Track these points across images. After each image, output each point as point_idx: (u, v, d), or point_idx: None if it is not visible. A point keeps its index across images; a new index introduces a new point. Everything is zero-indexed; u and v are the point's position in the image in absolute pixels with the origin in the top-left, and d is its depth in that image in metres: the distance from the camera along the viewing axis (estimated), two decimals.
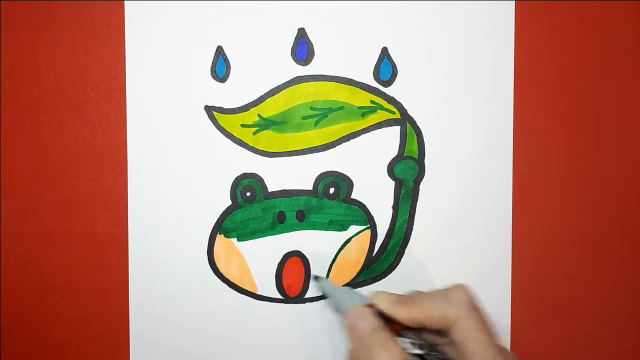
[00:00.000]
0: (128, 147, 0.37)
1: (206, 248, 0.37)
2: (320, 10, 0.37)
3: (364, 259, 0.38)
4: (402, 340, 0.29)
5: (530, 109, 0.38)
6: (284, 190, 0.37)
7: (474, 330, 0.29)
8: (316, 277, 0.37)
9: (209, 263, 0.37)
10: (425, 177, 0.38)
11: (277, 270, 0.37)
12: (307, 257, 0.37)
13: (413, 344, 0.29)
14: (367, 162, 0.37)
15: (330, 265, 0.37)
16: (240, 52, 0.37)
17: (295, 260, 0.37)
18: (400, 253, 0.38)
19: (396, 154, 0.38)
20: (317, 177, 0.37)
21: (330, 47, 0.37)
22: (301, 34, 0.37)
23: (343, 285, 0.37)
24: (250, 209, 0.37)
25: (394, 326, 0.30)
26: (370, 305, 0.30)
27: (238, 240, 0.37)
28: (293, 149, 0.37)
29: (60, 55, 0.37)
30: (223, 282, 0.37)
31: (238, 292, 0.37)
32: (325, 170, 0.37)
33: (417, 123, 0.38)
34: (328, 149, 0.37)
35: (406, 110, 0.38)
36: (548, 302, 0.38)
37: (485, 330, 0.29)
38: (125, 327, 0.37)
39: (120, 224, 0.37)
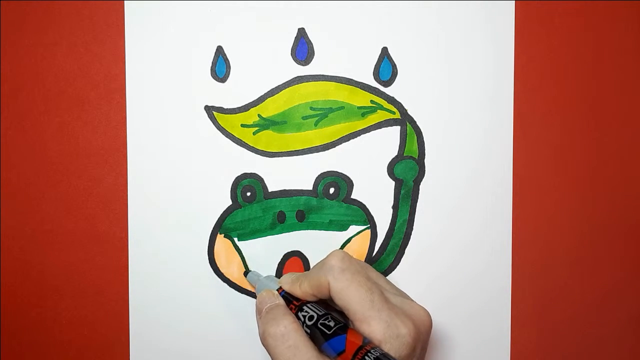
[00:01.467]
0: (128, 147, 0.37)
1: (206, 248, 0.37)
2: (320, 10, 0.37)
3: (364, 259, 0.38)
4: (301, 314, 0.31)
5: (530, 109, 0.38)
6: (284, 190, 0.37)
7: (347, 291, 0.29)
8: (246, 272, 0.37)
9: (209, 263, 0.37)
10: (425, 177, 0.38)
11: (277, 270, 0.37)
12: (307, 257, 0.37)
13: (304, 316, 0.31)
14: (367, 162, 0.37)
15: None
16: (240, 52, 0.37)
17: (295, 260, 0.37)
18: (400, 253, 0.38)
19: (396, 154, 0.38)
20: (317, 177, 0.37)
21: (330, 47, 0.37)
22: (301, 34, 0.37)
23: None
24: (251, 208, 0.37)
25: (297, 304, 0.32)
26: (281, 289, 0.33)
27: (238, 240, 0.37)
28: (293, 149, 0.37)
29: (60, 55, 0.37)
30: (223, 282, 0.37)
31: (238, 292, 0.37)
32: (325, 170, 0.37)
33: (417, 123, 0.38)
34: (328, 149, 0.37)
35: (406, 110, 0.38)
36: (548, 302, 0.38)
37: (363, 289, 0.29)
38: (125, 327, 0.37)
39: (120, 224, 0.37)
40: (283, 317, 0.30)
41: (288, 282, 0.33)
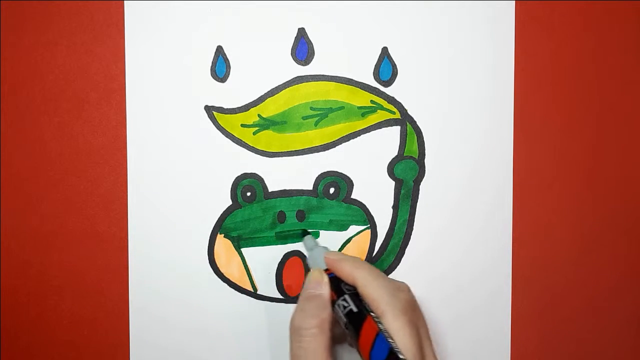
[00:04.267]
0: (128, 147, 0.37)
1: (206, 248, 0.37)
2: (320, 10, 0.37)
3: (364, 259, 0.38)
4: (337, 305, 0.31)
5: (530, 109, 0.38)
6: (284, 190, 0.37)
7: (398, 332, 0.29)
8: (304, 234, 0.36)
9: (209, 263, 0.37)
10: (425, 177, 0.38)
11: (277, 270, 0.37)
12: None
13: (343, 305, 0.31)
14: (367, 162, 0.37)
15: None
16: (240, 52, 0.37)
17: (295, 260, 0.37)
18: (400, 253, 0.38)
19: (396, 154, 0.38)
20: (317, 177, 0.37)
21: (330, 47, 0.37)
22: (301, 34, 0.37)
23: None
24: (251, 209, 0.37)
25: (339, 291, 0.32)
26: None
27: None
28: (293, 149, 0.37)
29: (60, 55, 0.37)
30: (223, 282, 0.37)
31: (238, 292, 0.37)
32: (325, 170, 0.37)
33: (417, 123, 0.38)
34: (328, 149, 0.37)
35: (406, 110, 0.38)
36: (548, 302, 0.38)
37: (414, 340, 0.29)
38: (125, 327, 0.37)
39: (120, 224, 0.37)
40: (312, 316, 0.31)
41: (339, 265, 0.32)
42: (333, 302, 0.32)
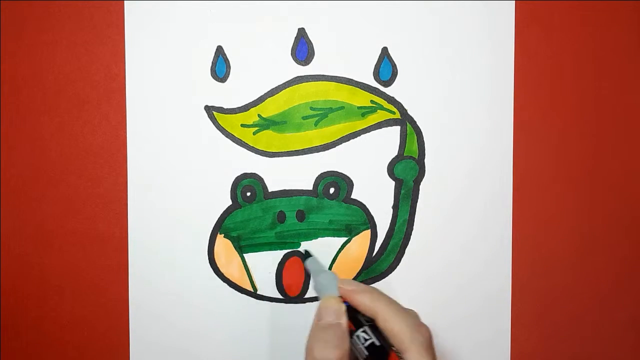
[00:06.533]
0: (128, 147, 0.37)
1: (206, 248, 0.37)
2: (320, 10, 0.37)
3: (364, 259, 0.38)
4: (356, 336, 0.30)
5: (530, 109, 0.38)
6: (284, 190, 0.37)
7: None
8: (306, 255, 0.36)
9: (209, 263, 0.37)
10: (425, 177, 0.38)
11: (277, 270, 0.37)
12: None
13: (364, 338, 0.30)
14: (367, 162, 0.37)
15: (331, 266, 0.37)
16: (240, 52, 0.37)
17: (295, 260, 0.37)
18: (400, 253, 0.38)
19: (396, 154, 0.38)
20: (317, 177, 0.37)
21: (330, 47, 0.37)
22: (301, 34, 0.37)
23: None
24: (251, 209, 0.37)
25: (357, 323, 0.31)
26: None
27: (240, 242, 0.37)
28: (293, 149, 0.37)
29: (60, 55, 0.37)
30: (223, 282, 0.37)
31: (238, 292, 0.37)
32: (325, 170, 0.37)
33: (417, 123, 0.38)
34: (328, 149, 0.37)
35: (406, 110, 0.38)
36: (548, 302, 0.38)
37: None
38: (125, 327, 0.37)
39: (120, 224, 0.37)
40: (335, 347, 0.29)
41: (357, 297, 0.31)
42: (350, 333, 0.31)
